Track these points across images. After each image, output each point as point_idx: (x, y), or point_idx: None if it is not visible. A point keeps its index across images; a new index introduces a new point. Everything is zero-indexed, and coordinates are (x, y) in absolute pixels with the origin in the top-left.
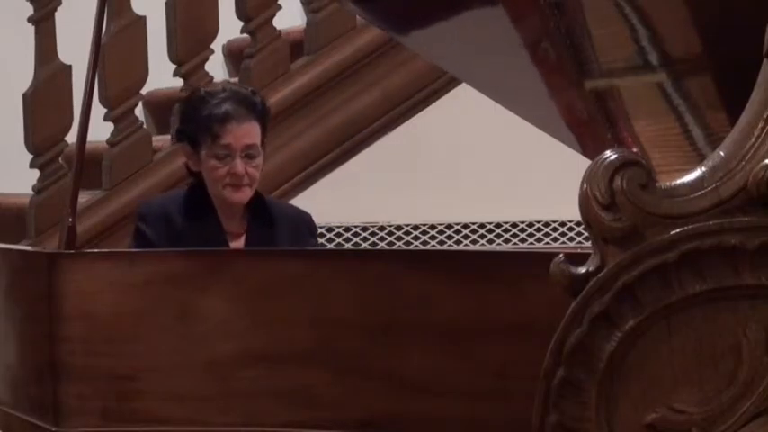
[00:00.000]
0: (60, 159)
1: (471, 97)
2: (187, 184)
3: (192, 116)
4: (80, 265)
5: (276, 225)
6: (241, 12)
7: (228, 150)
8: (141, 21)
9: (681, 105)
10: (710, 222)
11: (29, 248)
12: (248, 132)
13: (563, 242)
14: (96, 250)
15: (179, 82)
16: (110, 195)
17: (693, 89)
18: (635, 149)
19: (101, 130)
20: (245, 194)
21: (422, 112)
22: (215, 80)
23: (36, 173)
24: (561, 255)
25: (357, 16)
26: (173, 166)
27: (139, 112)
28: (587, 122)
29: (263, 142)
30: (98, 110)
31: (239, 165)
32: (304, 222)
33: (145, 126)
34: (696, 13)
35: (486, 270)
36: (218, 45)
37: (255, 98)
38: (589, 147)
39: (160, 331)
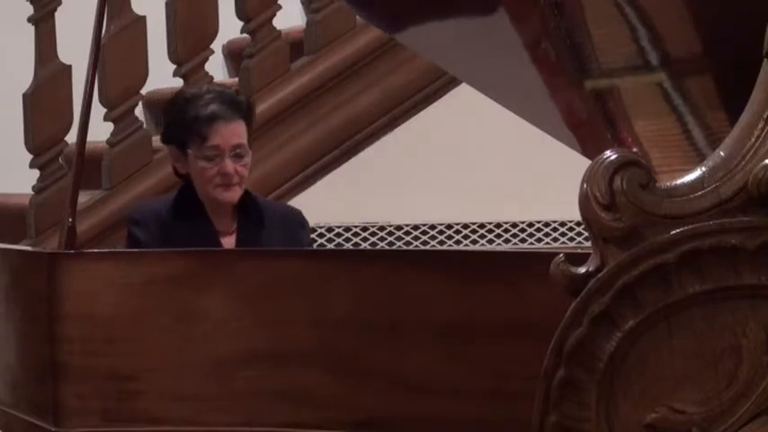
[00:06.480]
0: (60, 159)
1: (471, 97)
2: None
3: (179, 118)
4: (80, 265)
5: (266, 222)
6: (241, 12)
7: (217, 151)
8: (141, 21)
9: (681, 105)
10: (710, 222)
11: (29, 248)
12: (236, 132)
13: (563, 242)
14: (96, 250)
15: (179, 82)
16: (110, 195)
17: (693, 89)
18: (635, 149)
19: (101, 130)
20: (236, 193)
21: (422, 112)
22: (215, 80)
23: (36, 173)
24: (561, 255)
25: (357, 16)
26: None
27: (139, 112)
28: (587, 122)
29: (249, 142)
30: (98, 110)
31: (229, 165)
32: (295, 216)
33: (145, 126)
34: (696, 13)
35: (486, 270)
36: (218, 45)
37: (240, 98)
38: (589, 147)
39: (160, 331)
